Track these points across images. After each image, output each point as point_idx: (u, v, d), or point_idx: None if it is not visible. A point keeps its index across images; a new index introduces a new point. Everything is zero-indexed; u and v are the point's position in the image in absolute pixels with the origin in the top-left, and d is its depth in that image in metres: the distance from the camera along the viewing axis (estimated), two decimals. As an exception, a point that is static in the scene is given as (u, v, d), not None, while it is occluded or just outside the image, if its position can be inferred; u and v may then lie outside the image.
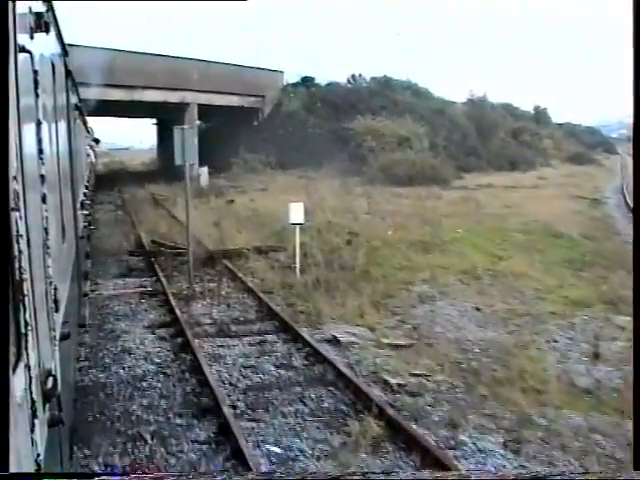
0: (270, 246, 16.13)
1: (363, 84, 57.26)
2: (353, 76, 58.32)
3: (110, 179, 47.74)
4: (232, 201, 28.13)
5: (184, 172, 13.26)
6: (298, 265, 13.93)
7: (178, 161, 12.96)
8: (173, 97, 43.03)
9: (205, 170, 35.01)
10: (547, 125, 77.11)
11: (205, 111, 44.88)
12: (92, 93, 38.31)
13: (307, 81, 54.18)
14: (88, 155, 24.44)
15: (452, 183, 39.43)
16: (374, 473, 4.19)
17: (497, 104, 68.86)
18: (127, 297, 12.54)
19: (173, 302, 11.61)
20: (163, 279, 13.47)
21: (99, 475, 3.89)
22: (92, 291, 12.95)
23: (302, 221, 14.05)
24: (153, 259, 15.29)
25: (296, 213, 13.87)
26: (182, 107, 44.18)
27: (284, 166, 45.23)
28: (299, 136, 48.54)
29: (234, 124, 48.49)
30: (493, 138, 59.65)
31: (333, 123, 50.06)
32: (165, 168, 52.39)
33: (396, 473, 4.77)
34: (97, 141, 36.07)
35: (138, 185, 40.21)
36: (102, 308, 11.72)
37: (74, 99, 9.52)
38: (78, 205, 8.66)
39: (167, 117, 50.28)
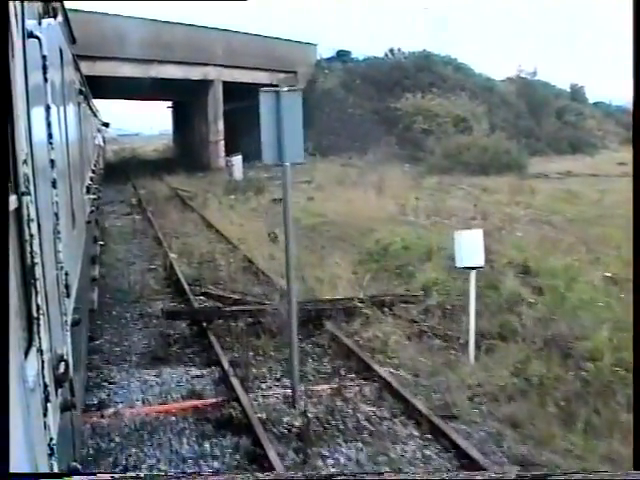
0: (401, 296, 9.73)
1: (402, 59, 50.65)
2: (391, 50, 51.76)
3: (121, 169, 41.54)
4: (280, 200, 21.78)
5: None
6: (472, 341, 7.66)
7: (268, 158, 6.57)
8: (194, 73, 36.61)
9: (239, 160, 28.57)
10: (584, 104, 70.63)
11: (229, 90, 38.51)
12: (100, 69, 32.05)
13: (343, 55, 47.59)
14: (95, 138, 20.47)
15: (527, 170, 32.98)
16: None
17: (534, 82, 61.60)
18: (170, 427, 6.30)
19: (274, 460, 5.35)
20: (233, 377, 7.17)
21: (100, 474, 3.38)
22: (100, 406, 6.74)
23: (482, 263, 7.71)
24: (205, 323, 8.94)
25: (471, 249, 7.55)
26: (205, 85, 37.84)
27: (323, 152, 38.83)
28: (338, 117, 42.15)
29: (263, 105, 42.05)
30: (546, 118, 53.28)
31: (376, 102, 43.61)
32: (183, 156, 46.04)
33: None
34: (107, 125, 30.61)
35: (155, 177, 33.98)
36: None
37: (79, 83, 9.27)
38: (84, 189, 8.05)
39: (186, 98, 43.95)
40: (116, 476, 3.26)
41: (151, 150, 71.37)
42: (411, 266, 11.54)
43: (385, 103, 42.99)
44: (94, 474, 4.02)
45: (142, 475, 4.47)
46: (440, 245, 12.23)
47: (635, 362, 2.91)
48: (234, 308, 8.84)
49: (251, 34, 40.20)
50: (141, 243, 16.15)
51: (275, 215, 20.14)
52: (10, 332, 1.62)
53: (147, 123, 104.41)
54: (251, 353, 8.07)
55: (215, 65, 37.17)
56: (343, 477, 3.85)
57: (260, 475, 4.16)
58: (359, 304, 9.20)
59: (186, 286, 10.89)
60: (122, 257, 14.17)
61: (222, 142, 37.76)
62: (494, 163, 31.47)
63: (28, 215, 2.03)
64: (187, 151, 45.35)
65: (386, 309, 9.18)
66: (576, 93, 72.21)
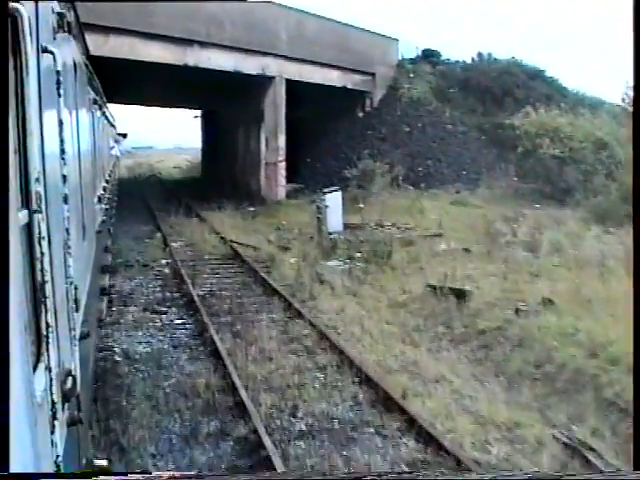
0: None
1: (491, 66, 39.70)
2: (479, 55, 40.99)
3: (139, 196, 30.69)
4: (460, 293, 10.57)
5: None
6: None
7: None
8: (250, 65, 25.64)
9: (338, 197, 17.17)
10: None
11: (291, 92, 27.75)
12: (113, 47, 21.34)
13: (431, 55, 36.76)
14: (112, 149, 18.63)
15: None
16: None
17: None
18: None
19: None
20: None
21: (100, 475, 2.99)
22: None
23: None
24: None
25: None
26: (260, 83, 26.98)
27: (420, 183, 27.98)
28: (433, 136, 31.22)
29: (334, 115, 31.20)
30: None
31: (481, 117, 32.73)
32: (219, 180, 34.68)
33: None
34: (124, 136, 21.41)
35: (188, 211, 23.12)
36: None
37: (94, 93, 8.90)
38: (96, 199, 7.70)
39: (225, 103, 32.80)
40: (140, 477, 2.91)
41: (172, 167, 60.79)
42: None
43: (494, 118, 32.10)
44: (98, 474, 3.31)
45: (165, 476, 3.33)
46: None
47: (635, 362, 2.86)
48: None
49: (322, 17, 29.49)
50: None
51: (478, 339, 9.15)
52: (19, 347, 1.58)
53: (160, 135, 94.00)
54: None
55: (276, 56, 26.36)
56: (343, 477, 3.90)
57: (260, 475, 4.23)
58: None
59: None
60: None
61: (283, 164, 26.82)
62: None
63: (39, 233, 2.01)
64: (225, 173, 34.30)
65: None
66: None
